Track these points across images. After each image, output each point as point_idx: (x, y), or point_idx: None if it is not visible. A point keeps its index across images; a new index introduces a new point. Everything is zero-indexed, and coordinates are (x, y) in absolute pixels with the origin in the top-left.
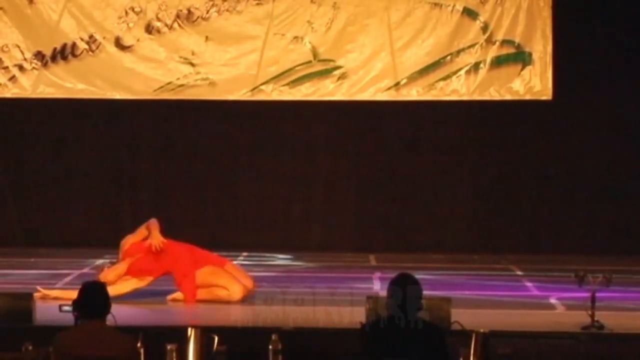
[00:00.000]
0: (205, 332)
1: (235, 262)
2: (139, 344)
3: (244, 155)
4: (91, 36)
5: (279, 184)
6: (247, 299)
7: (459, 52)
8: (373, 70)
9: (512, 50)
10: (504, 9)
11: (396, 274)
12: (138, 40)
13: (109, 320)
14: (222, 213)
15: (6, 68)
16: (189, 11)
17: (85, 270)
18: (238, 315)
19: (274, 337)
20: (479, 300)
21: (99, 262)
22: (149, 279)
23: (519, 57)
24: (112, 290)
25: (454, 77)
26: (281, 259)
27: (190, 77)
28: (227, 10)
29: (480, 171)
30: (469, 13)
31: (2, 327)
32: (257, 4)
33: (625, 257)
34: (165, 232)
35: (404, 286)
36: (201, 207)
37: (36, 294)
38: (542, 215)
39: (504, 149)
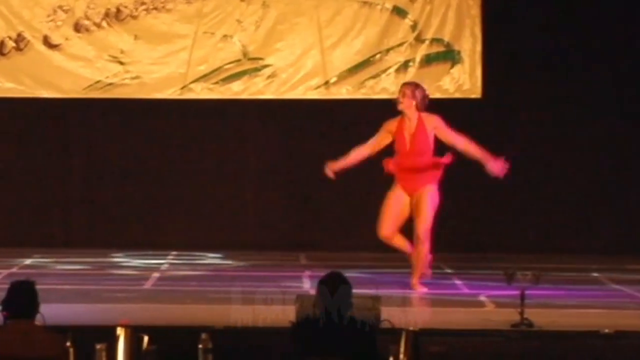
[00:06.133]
0: (135, 332)
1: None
2: (68, 344)
3: (173, 153)
4: (19, 35)
5: (209, 183)
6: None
7: (388, 50)
8: (303, 68)
9: (441, 48)
10: (433, 8)
11: (326, 273)
12: (67, 38)
13: (38, 319)
14: (151, 212)
15: None
16: (118, 10)
17: (14, 270)
18: (169, 315)
19: (204, 336)
20: (410, 298)
21: (28, 261)
22: None
23: (449, 56)
24: None
25: (383, 76)
26: (211, 258)
27: (119, 75)
28: (156, 8)
29: None
30: (399, 12)
31: None
32: (187, 2)
33: (554, 254)
34: (95, 230)
35: (333, 285)
36: (130, 205)
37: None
38: (473, 214)
39: None
